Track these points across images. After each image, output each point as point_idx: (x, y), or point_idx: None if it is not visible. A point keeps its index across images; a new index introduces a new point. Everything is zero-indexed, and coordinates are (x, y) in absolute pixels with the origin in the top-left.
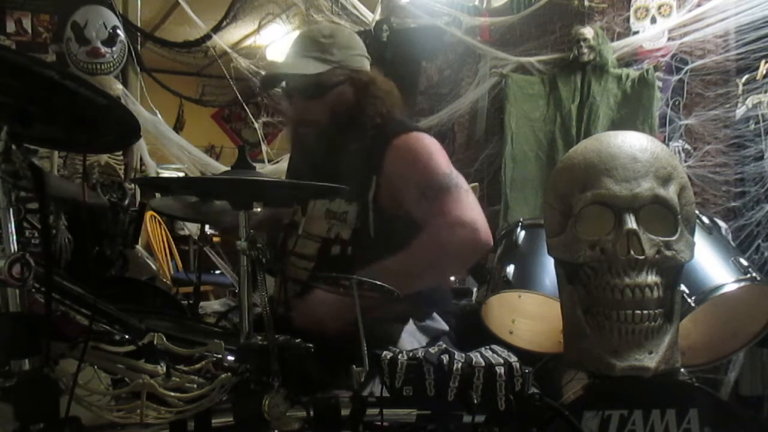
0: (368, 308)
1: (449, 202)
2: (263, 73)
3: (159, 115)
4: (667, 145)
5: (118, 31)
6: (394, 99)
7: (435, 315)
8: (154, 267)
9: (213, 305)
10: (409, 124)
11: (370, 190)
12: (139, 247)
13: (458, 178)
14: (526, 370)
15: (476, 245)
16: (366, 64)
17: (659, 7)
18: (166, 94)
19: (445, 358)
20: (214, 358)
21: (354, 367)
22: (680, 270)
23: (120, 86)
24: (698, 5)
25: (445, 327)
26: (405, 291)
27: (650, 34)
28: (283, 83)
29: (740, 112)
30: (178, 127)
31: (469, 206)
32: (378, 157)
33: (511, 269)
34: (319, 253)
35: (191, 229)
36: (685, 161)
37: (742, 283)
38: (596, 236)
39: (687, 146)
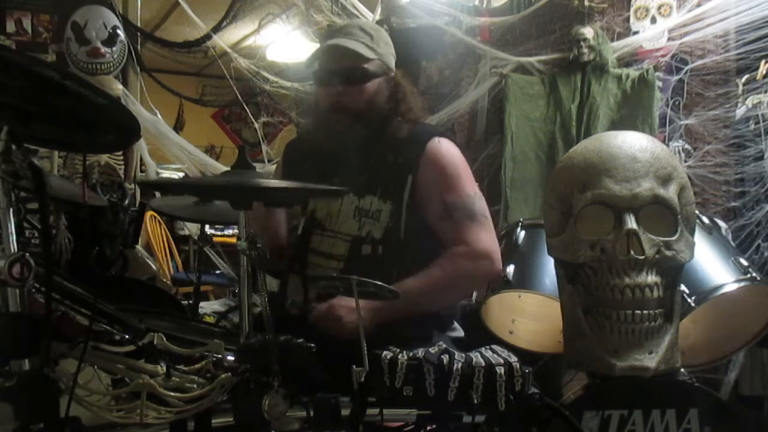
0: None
1: (473, 231)
2: (318, 45)
3: (159, 115)
4: (667, 145)
5: (118, 31)
6: (419, 104)
7: (455, 323)
8: (154, 267)
9: (213, 305)
10: (439, 128)
11: (406, 190)
12: (139, 247)
13: (480, 201)
14: (526, 370)
15: (492, 276)
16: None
17: (659, 7)
18: (166, 94)
19: (445, 358)
20: (214, 358)
21: (354, 367)
22: (680, 270)
23: (120, 86)
24: (698, 5)
25: (462, 333)
26: (420, 311)
27: (650, 34)
28: (317, 67)
29: (740, 112)
30: (178, 127)
31: (489, 236)
32: (415, 157)
33: (511, 269)
34: (349, 252)
35: (191, 229)
36: (685, 161)
37: (742, 283)
38: (596, 236)
39: (687, 146)
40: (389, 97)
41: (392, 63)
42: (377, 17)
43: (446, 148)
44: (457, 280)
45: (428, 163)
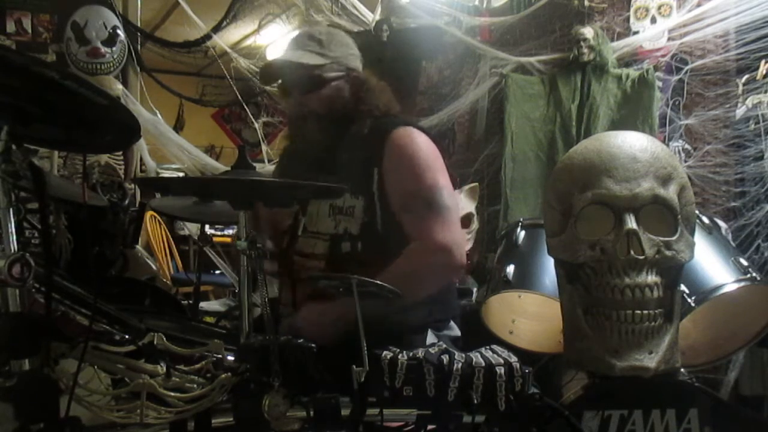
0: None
1: (430, 224)
2: (262, 64)
3: (159, 115)
4: (667, 145)
5: (118, 31)
6: (388, 99)
7: (451, 323)
8: (154, 267)
9: (213, 305)
10: (408, 119)
11: (374, 183)
12: (139, 247)
13: (443, 192)
14: (526, 370)
15: (452, 270)
16: (360, 66)
17: (659, 7)
18: (166, 94)
19: (445, 358)
20: (214, 358)
21: (354, 367)
22: (680, 270)
23: (120, 86)
24: (698, 5)
25: (458, 333)
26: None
27: (650, 34)
28: (280, 80)
29: (740, 112)
30: (178, 127)
31: (448, 229)
32: (378, 149)
33: (511, 269)
34: (329, 251)
35: (191, 229)
36: (685, 161)
37: (742, 283)
38: (596, 236)
39: (687, 146)
40: (352, 95)
41: (353, 62)
42: (377, 17)
43: (410, 138)
44: (413, 274)
45: (390, 154)
